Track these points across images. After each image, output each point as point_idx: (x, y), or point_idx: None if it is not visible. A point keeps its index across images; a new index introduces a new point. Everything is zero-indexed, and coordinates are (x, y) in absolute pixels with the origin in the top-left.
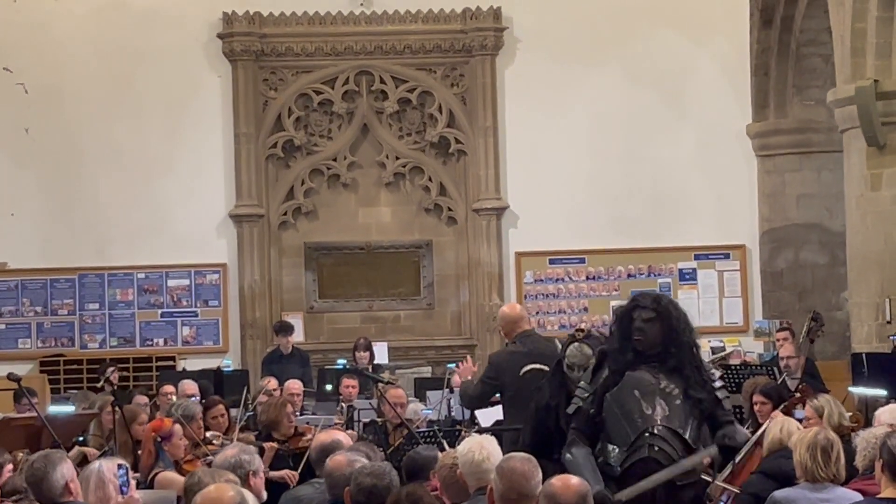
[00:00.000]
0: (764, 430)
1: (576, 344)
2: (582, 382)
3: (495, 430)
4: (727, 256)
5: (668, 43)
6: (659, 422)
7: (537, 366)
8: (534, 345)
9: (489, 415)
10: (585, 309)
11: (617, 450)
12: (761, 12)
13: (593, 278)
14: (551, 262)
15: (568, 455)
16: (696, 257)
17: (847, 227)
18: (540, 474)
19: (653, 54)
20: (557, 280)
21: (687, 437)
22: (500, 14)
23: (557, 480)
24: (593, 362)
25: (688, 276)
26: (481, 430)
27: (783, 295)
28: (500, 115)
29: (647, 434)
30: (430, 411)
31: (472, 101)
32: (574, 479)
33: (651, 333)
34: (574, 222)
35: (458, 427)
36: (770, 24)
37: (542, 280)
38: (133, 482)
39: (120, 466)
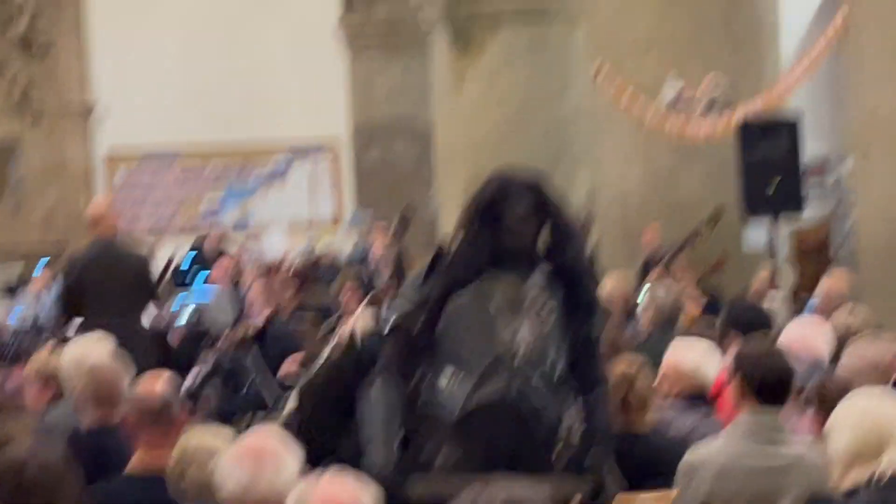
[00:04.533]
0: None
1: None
2: (406, 290)
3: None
4: (319, 152)
5: None
6: (521, 345)
7: None
8: (112, 247)
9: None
10: (178, 206)
11: (456, 380)
12: None
13: (186, 176)
14: (144, 158)
15: (373, 392)
16: (289, 153)
17: (434, 123)
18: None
19: None
20: (150, 177)
21: (555, 377)
22: None
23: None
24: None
25: (281, 172)
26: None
27: (374, 189)
28: (90, 10)
29: (502, 366)
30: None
31: None
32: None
33: (528, 230)
34: (167, 119)
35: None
36: None
37: (133, 178)
38: None
39: None
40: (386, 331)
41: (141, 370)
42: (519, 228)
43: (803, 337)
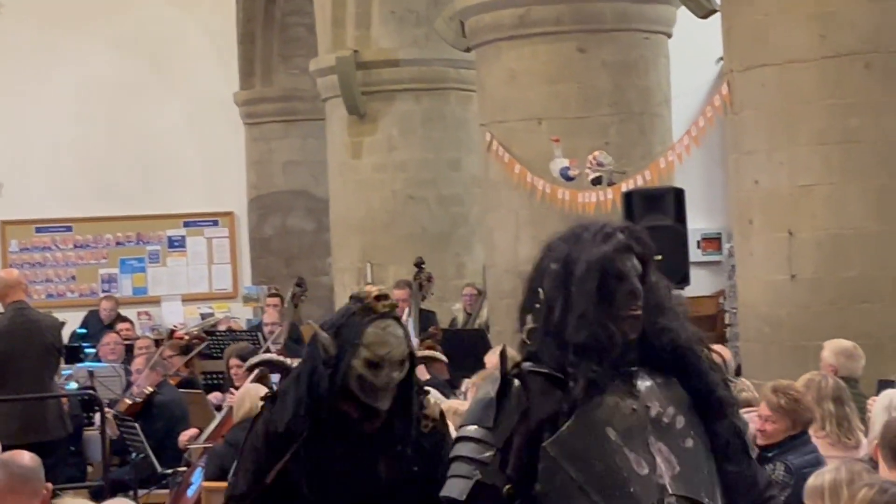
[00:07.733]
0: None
1: (379, 322)
2: (472, 428)
3: None
4: (216, 223)
5: (155, 10)
6: (669, 488)
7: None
8: (23, 316)
9: None
10: (73, 278)
11: None
12: None
13: (81, 246)
14: (38, 230)
15: None
16: (186, 224)
17: (330, 194)
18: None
19: (139, 21)
20: (44, 249)
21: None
22: None
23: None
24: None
25: (177, 244)
26: None
27: (271, 261)
28: None
29: None
30: None
31: None
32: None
33: (641, 301)
34: (60, 190)
35: None
36: None
37: (28, 249)
38: None
39: None
40: (463, 497)
41: (58, 434)
42: (636, 301)
43: None
